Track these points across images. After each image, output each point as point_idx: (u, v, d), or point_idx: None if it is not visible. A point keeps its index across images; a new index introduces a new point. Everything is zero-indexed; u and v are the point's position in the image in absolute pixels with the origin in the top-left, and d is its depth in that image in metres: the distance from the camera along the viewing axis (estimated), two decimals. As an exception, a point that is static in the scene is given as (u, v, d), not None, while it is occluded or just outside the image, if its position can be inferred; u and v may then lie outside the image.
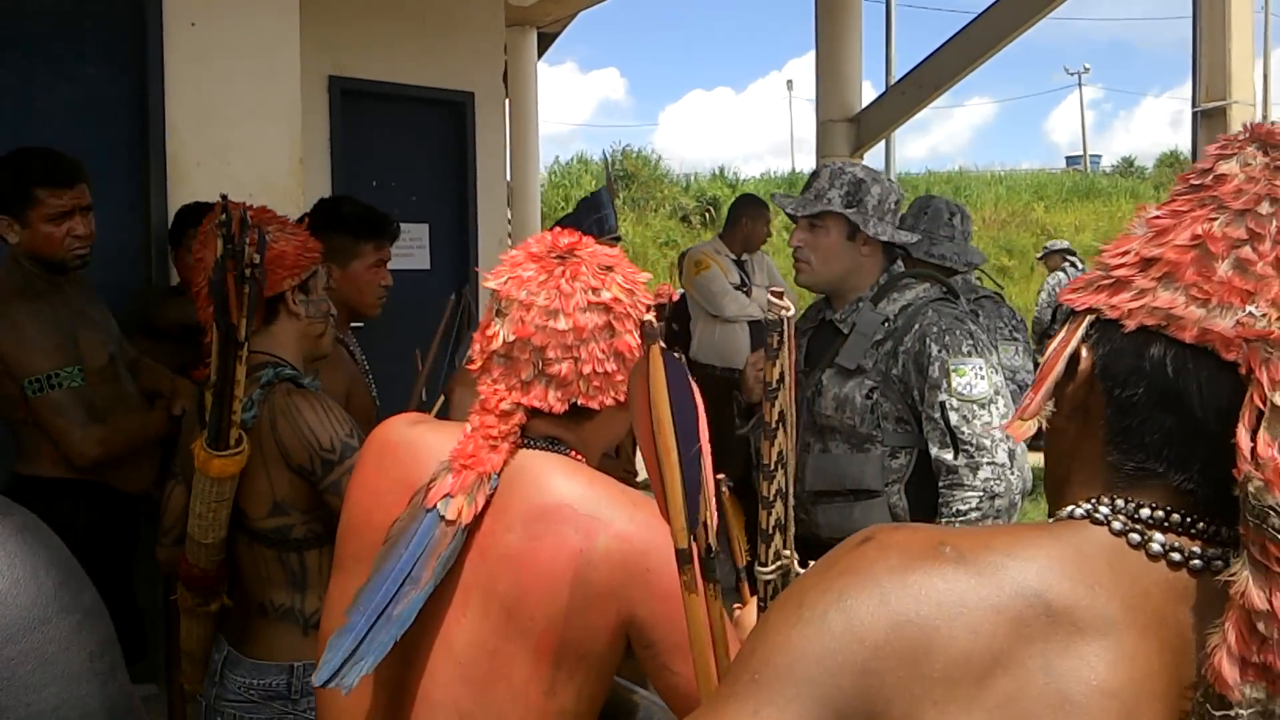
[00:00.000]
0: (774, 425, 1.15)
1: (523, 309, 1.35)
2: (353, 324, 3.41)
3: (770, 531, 1.18)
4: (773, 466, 1.16)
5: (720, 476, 1.27)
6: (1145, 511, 0.81)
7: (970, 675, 0.75)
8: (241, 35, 3.97)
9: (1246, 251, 0.78)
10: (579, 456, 1.41)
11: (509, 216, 8.21)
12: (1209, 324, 0.78)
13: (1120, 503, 0.83)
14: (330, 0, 5.93)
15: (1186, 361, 0.79)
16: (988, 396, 2.36)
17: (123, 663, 0.89)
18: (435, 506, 1.31)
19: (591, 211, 3.81)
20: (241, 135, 3.98)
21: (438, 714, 1.35)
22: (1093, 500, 0.84)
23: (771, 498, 1.17)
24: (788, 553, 1.21)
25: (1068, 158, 42.77)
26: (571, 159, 26.00)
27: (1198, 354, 0.79)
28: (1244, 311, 0.77)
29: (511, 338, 1.35)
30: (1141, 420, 0.82)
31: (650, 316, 1.07)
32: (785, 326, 1.12)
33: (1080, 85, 43.51)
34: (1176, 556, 0.80)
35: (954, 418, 2.36)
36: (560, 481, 1.35)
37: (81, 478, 2.89)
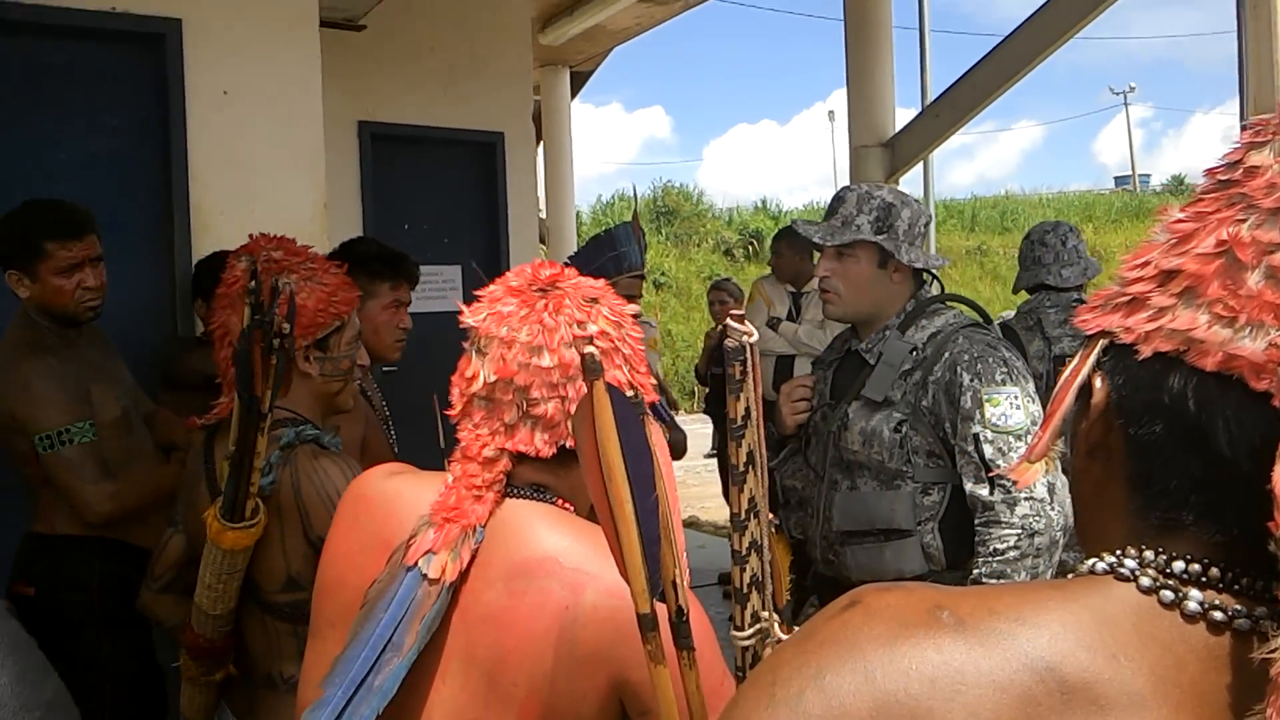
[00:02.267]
0: (742, 469, 1.03)
1: (504, 346, 1.26)
2: (385, 368, 3.33)
3: (746, 590, 1.06)
4: (743, 516, 1.04)
5: (771, 516, 1.17)
6: (1179, 565, 0.69)
7: None
8: (264, 82, 3.97)
9: None
10: (568, 505, 1.32)
11: (544, 255, 8.19)
12: (1235, 348, 0.65)
13: (1149, 555, 0.70)
14: (358, 45, 5.98)
15: (1210, 393, 0.66)
16: (1024, 427, 2.23)
17: None
18: (417, 564, 1.22)
19: (606, 249, 3.69)
20: (265, 182, 3.97)
21: None
22: (1118, 553, 0.71)
23: (745, 551, 1.05)
24: (766, 614, 1.08)
25: (1116, 178, 42.28)
26: (613, 197, 26.07)
27: (1224, 383, 0.66)
28: (1278, 331, 0.64)
29: (493, 378, 1.26)
30: (1164, 463, 0.69)
31: (591, 349, 0.96)
32: (748, 355, 1.00)
33: (1126, 104, 43.08)
34: (1218, 616, 0.67)
35: (988, 450, 2.23)
36: (545, 533, 1.26)
37: (96, 534, 2.83)
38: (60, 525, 2.83)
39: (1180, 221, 0.71)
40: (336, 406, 2.17)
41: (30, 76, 3.77)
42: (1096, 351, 0.74)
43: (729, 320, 1.05)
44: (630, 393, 1.07)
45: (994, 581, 2.19)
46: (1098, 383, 0.73)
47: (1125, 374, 0.71)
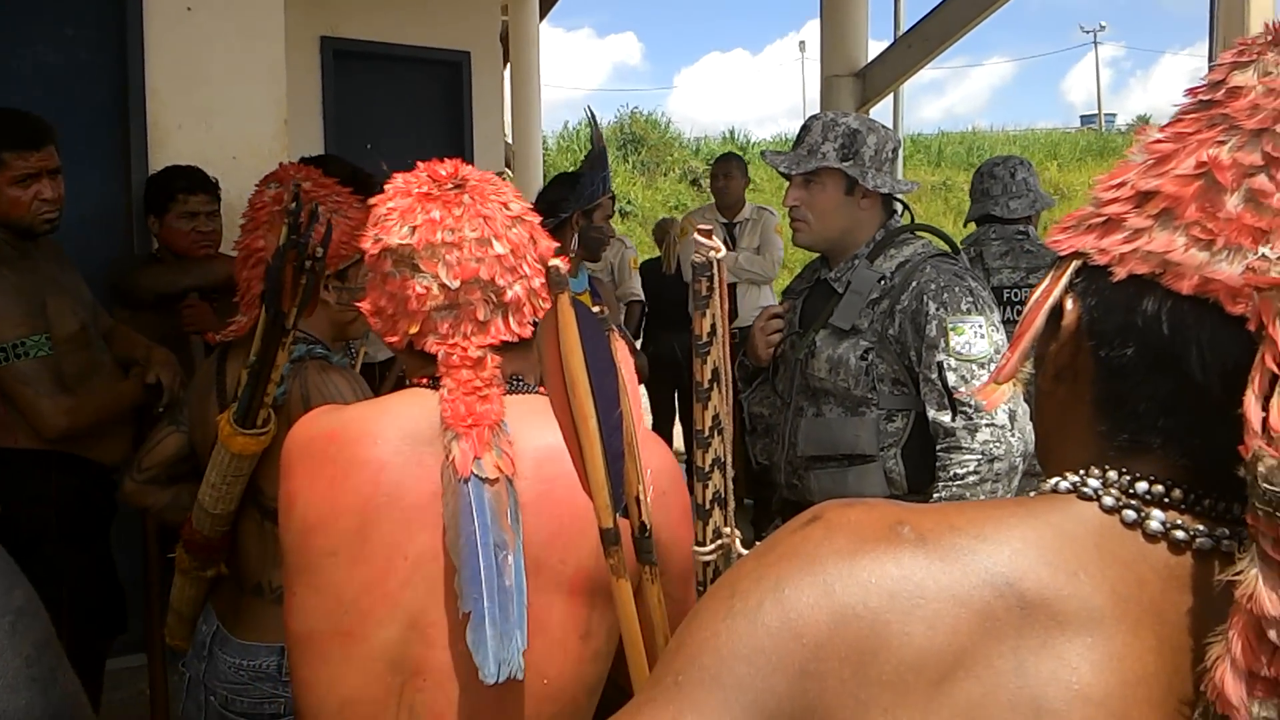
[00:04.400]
0: (706, 386, 1.03)
1: (454, 249, 1.28)
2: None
3: (708, 507, 1.06)
4: (706, 433, 1.04)
5: None
6: (1142, 485, 0.69)
7: (926, 678, 0.64)
8: (223, -8, 3.86)
9: (1261, 181, 0.64)
10: (544, 391, 1.33)
11: (509, 177, 8.09)
12: (1212, 271, 0.64)
13: (1113, 475, 0.70)
14: (321, -41, 5.82)
15: (1185, 316, 0.66)
16: (988, 356, 2.25)
17: (64, 661, 0.80)
18: (471, 474, 1.23)
19: (599, 167, 3.72)
20: (224, 97, 3.89)
21: (472, 688, 1.25)
22: (1081, 472, 0.71)
23: (708, 468, 1.05)
24: (728, 530, 1.09)
25: (1082, 116, 42.27)
26: (580, 123, 25.74)
27: (1198, 307, 0.65)
28: (1256, 255, 0.63)
29: (454, 283, 1.28)
30: (1133, 386, 0.69)
31: (556, 261, 0.95)
32: (715, 271, 0.99)
33: (1095, 43, 42.89)
34: (1180, 536, 0.67)
35: (952, 378, 2.25)
36: (552, 420, 1.27)
37: (54, 449, 2.80)
38: (17, 439, 2.79)
39: (1159, 142, 0.70)
40: (349, 334, 2.27)
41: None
42: (1069, 273, 0.73)
43: (696, 235, 1.03)
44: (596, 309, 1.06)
45: None
46: (1069, 304, 0.72)
47: (1098, 296, 0.70)
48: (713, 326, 1.01)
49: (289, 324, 1.91)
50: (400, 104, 6.31)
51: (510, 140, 10.60)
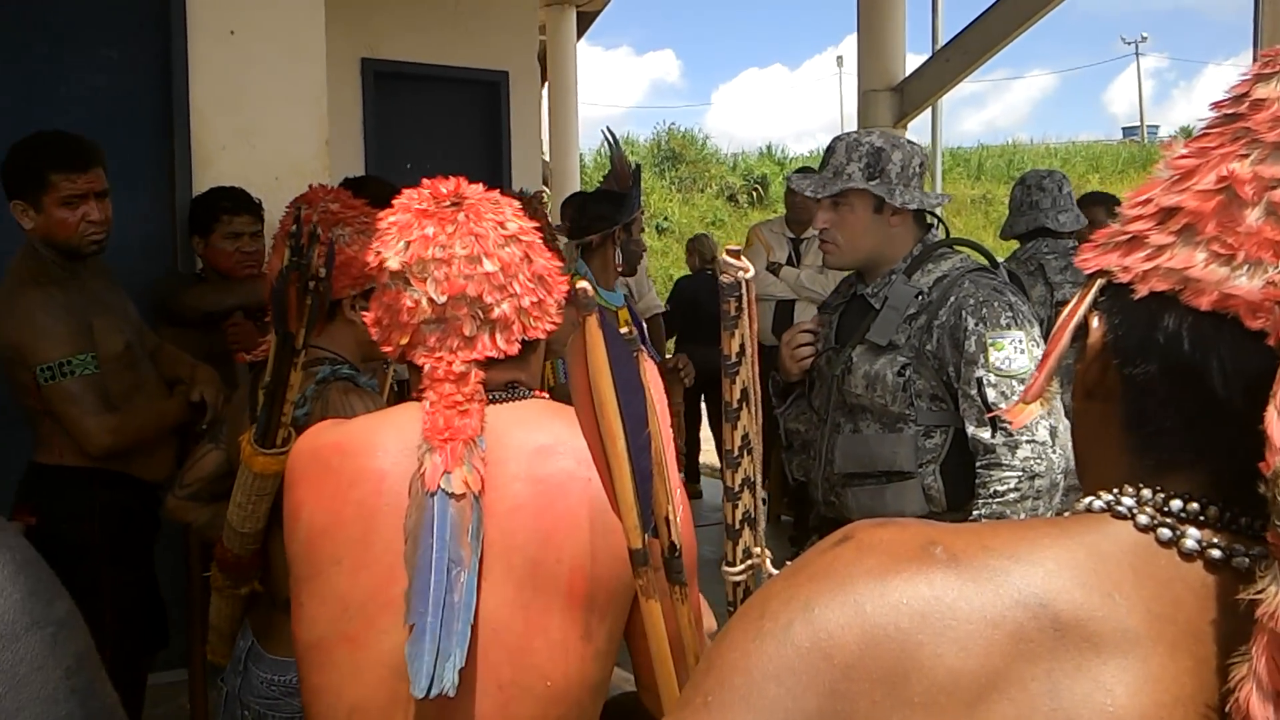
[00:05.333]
0: (736, 406, 1.02)
1: (443, 265, 1.31)
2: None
3: (738, 527, 1.06)
4: (736, 453, 1.03)
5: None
6: (1177, 503, 0.68)
7: (959, 700, 0.63)
8: (266, 17, 3.92)
9: None
10: (544, 395, 1.40)
11: (548, 195, 8.14)
12: (1231, 287, 0.63)
13: (1147, 493, 0.69)
14: (361, -19, 5.89)
15: (1205, 332, 0.65)
16: (1027, 371, 2.23)
17: (103, 673, 0.81)
18: (439, 488, 1.26)
19: (637, 185, 3.78)
20: (267, 118, 3.94)
21: (475, 693, 1.27)
22: (1114, 491, 0.71)
23: (737, 488, 1.05)
24: (758, 550, 1.08)
25: (1124, 129, 41.83)
26: (621, 138, 25.83)
27: (1218, 323, 0.64)
28: (1276, 269, 0.62)
29: (442, 299, 1.31)
30: (1159, 403, 0.68)
31: (584, 284, 0.95)
32: (744, 291, 0.99)
33: (1137, 54, 42.50)
34: (1216, 554, 0.66)
35: (991, 394, 2.23)
36: (545, 423, 1.34)
37: (99, 466, 2.84)
38: (63, 456, 2.84)
39: (1183, 157, 0.70)
40: (376, 354, 2.28)
41: (30, 9, 3.72)
42: (1094, 291, 0.73)
43: (724, 255, 1.03)
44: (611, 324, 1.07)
45: None
46: (1094, 322, 0.72)
47: (1121, 313, 0.70)
48: (741, 346, 1.01)
49: (297, 344, 1.93)
50: (439, 124, 6.36)
51: (548, 158, 10.65)
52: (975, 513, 2.23)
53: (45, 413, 2.80)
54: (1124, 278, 0.70)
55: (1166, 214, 0.68)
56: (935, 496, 2.33)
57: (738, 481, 1.04)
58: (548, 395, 1.42)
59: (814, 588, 0.69)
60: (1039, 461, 2.19)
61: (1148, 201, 0.70)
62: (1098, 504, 0.71)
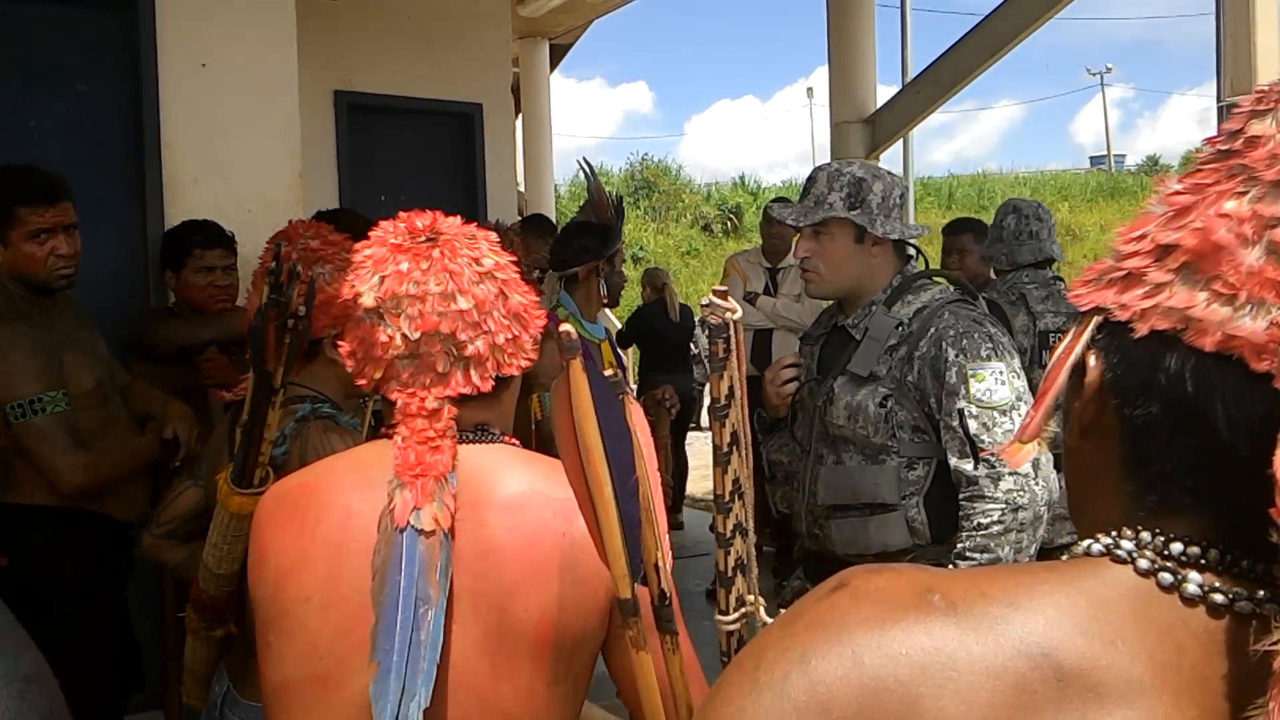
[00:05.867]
0: (726, 449, 1.00)
1: (416, 302, 1.31)
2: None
3: (730, 574, 1.03)
4: (727, 498, 1.01)
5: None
6: (1177, 546, 0.66)
7: None
8: (238, 50, 3.91)
9: None
10: (514, 440, 1.39)
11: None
12: (1235, 327, 0.62)
13: (1146, 536, 0.67)
14: (335, 15, 5.89)
15: (1209, 374, 0.64)
16: (1009, 402, 2.23)
17: None
18: (408, 524, 1.25)
19: (620, 217, 3.79)
20: (239, 152, 3.92)
21: None
22: (1113, 534, 0.69)
23: (729, 534, 1.02)
24: (751, 598, 1.05)
25: (1092, 158, 42.39)
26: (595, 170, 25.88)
27: (1222, 364, 0.63)
28: (1279, 310, 0.61)
29: (415, 335, 1.31)
30: (1160, 444, 0.67)
31: (567, 327, 0.94)
32: (732, 332, 0.97)
33: (1103, 85, 43.12)
34: (1219, 599, 0.64)
35: (973, 425, 2.22)
36: (519, 470, 1.33)
37: (71, 505, 2.79)
38: (34, 495, 2.79)
39: (1178, 194, 0.68)
40: (357, 392, 2.26)
41: (0, 42, 3.69)
42: (1090, 328, 0.71)
43: (711, 296, 1.02)
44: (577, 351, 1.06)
45: (977, 556, 2.19)
46: (1091, 361, 0.71)
47: (1120, 352, 0.69)
48: (730, 389, 0.99)
49: (276, 383, 1.91)
50: (414, 155, 6.36)
51: (523, 189, 10.66)
52: (959, 545, 2.22)
53: (15, 451, 2.75)
54: (1122, 315, 0.68)
55: (1164, 251, 0.67)
56: (919, 529, 2.32)
57: (729, 527, 1.02)
58: (517, 441, 1.41)
59: (810, 638, 0.67)
60: (1022, 494, 2.19)
61: (1143, 237, 0.69)
62: (1096, 547, 0.69)
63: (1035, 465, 2.21)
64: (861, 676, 0.64)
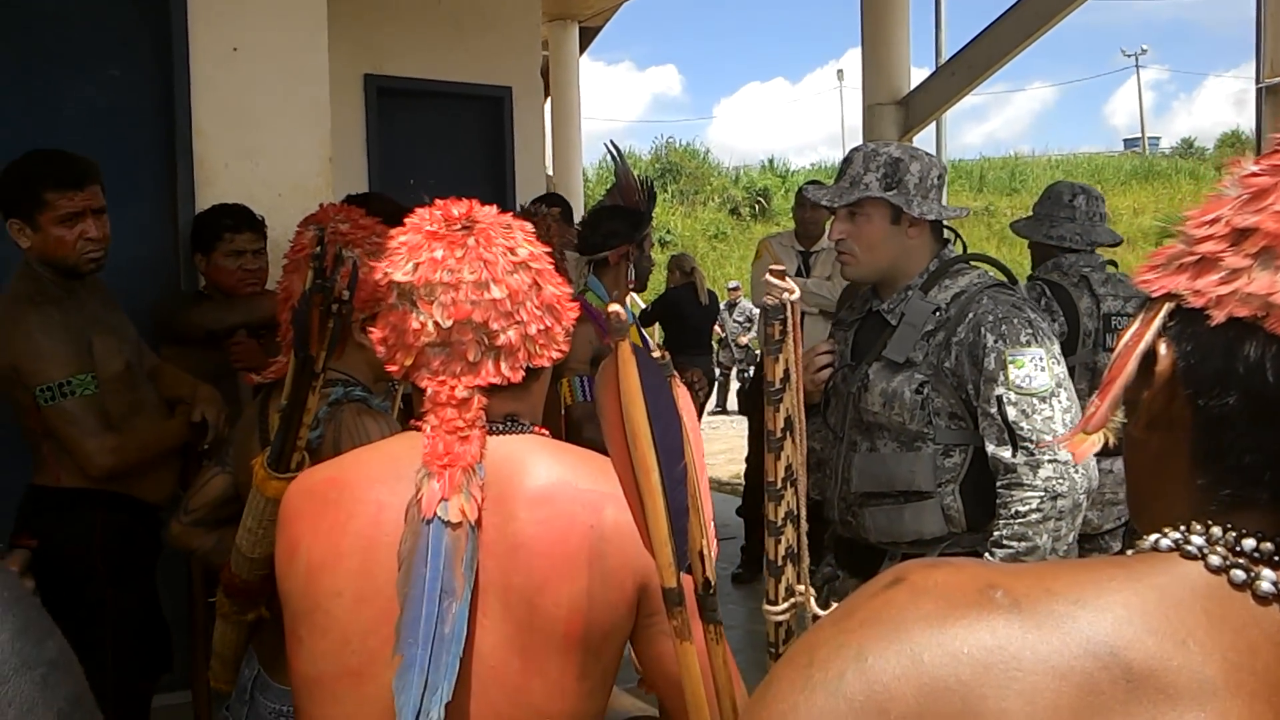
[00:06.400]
0: (779, 435, 0.97)
1: (450, 290, 1.30)
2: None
3: (780, 563, 1.00)
4: (779, 485, 0.98)
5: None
6: (1250, 542, 0.63)
7: None
8: (268, 35, 3.90)
9: None
10: (544, 431, 1.38)
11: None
12: None
13: (1217, 531, 0.65)
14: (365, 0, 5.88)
15: None
16: (1049, 389, 2.18)
17: (99, 716, 0.77)
18: (435, 515, 1.24)
19: (650, 201, 3.77)
20: (269, 136, 3.91)
21: None
22: (1182, 528, 0.66)
23: (780, 522, 0.99)
24: (801, 589, 1.02)
25: (1125, 140, 41.94)
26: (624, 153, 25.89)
27: None
28: None
29: (448, 322, 1.30)
30: (1236, 437, 0.64)
31: (616, 307, 0.91)
32: (789, 314, 0.93)
33: (1138, 67, 42.63)
34: None
35: (1012, 412, 2.18)
36: (548, 462, 1.32)
37: (99, 487, 2.80)
38: (63, 478, 2.80)
39: (1255, 175, 0.65)
40: (388, 376, 2.27)
41: (31, 27, 3.71)
42: (1162, 315, 0.69)
43: (768, 276, 0.98)
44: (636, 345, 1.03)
45: (1014, 545, 2.15)
46: (1162, 349, 0.68)
47: (1194, 340, 0.66)
48: (786, 372, 0.95)
49: (318, 367, 1.90)
50: (443, 139, 6.35)
51: (551, 173, 10.65)
52: (996, 533, 2.18)
53: (45, 434, 2.77)
54: (1196, 302, 0.65)
55: (1240, 235, 0.64)
56: (954, 517, 2.28)
57: (781, 515, 0.99)
58: (547, 431, 1.40)
59: (866, 634, 0.64)
60: (1061, 481, 2.14)
61: (1216, 220, 0.66)
62: (1165, 543, 0.67)
63: None
64: (921, 676, 0.61)
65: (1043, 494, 2.14)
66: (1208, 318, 0.64)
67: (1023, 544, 2.15)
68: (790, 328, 0.97)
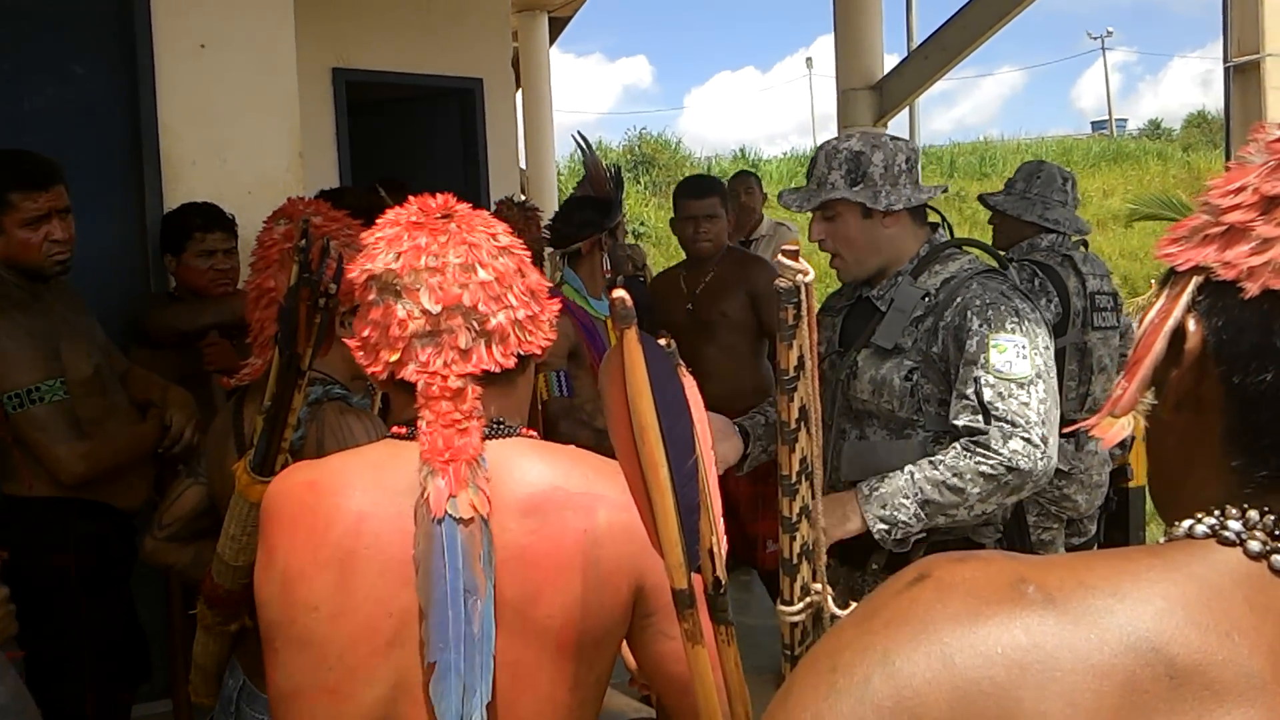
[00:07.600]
0: (794, 426, 0.92)
1: (436, 274, 1.26)
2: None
3: (795, 561, 0.96)
4: (794, 479, 0.93)
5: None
6: None
7: None
8: (235, 29, 3.83)
9: None
10: (531, 433, 1.34)
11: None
12: None
13: (1254, 515, 0.61)
14: (330, -10, 5.80)
15: None
16: (1028, 377, 2.14)
17: None
18: (445, 513, 1.20)
19: (619, 188, 3.72)
20: (237, 132, 3.84)
21: None
22: (1217, 513, 0.63)
23: (795, 518, 0.95)
24: (818, 587, 0.98)
25: (1093, 123, 42.14)
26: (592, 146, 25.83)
27: None
28: None
29: (436, 308, 1.26)
30: (1274, 415, 0.61)
31: (621, 293, 0.86)
32: (803, 297, 0.89)
33: (1104, 49, 42.82)
34: None
35: (988, 393, 2.13)
36: (539, 465, 1.28)
37: (72, 495, 2.74)
38: (34, 486, 2.73)
39: None
40: (364, 374, 2.21)
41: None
42: (1190, 290, 0.65)
43: (781, 258, 0.94)
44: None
45: (943, 474, 2.10)
46: (1191, 325, 0.65)
47: (1225, 315, 0.63)
48: (800, 359, 0.91)
49: (304, 366, 1.85)
50: (414, 132, 6.29)
51: (524, 166, 10.58)
52: (936, 458, 2.13)
53: (14, 442, 2.70)
54: (1227, 275, 0.62)
55: (1270, 203, 0.61)
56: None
57: (795, 511, 0.94)
58: (535, 434, 1.36)
59: (891, 635, 0.61)
60: (1026, 459, 2.08)
61: (1243, 189, 0.63)
62: (1200, 529, 0.63)
63: (1044, 440, 2.11)
64: (953, 679, 0.58)
65: (1003, 460, 2.08)
66: (1240, 291, 0.61)
67: (951, 480, 2.09)
68: (805, 312, 0.93)
